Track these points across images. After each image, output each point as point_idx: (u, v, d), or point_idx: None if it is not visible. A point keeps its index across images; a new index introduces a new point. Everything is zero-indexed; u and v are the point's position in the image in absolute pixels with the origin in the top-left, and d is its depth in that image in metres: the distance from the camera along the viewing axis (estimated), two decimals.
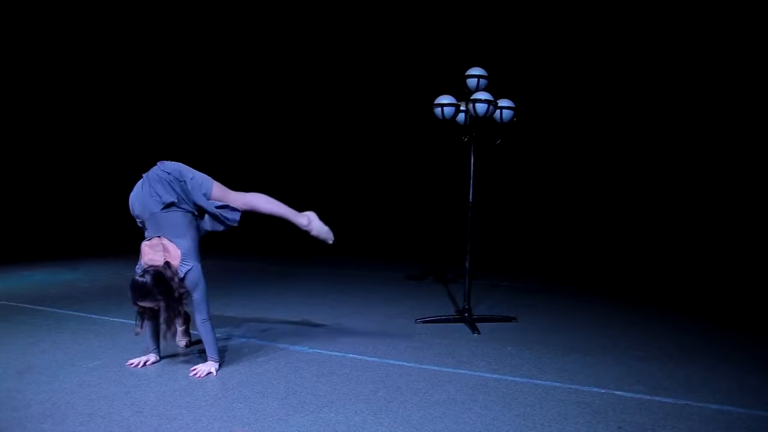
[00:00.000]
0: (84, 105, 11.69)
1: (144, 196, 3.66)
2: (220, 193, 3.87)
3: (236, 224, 3.93)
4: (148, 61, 12.17)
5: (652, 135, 10.57)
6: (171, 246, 3.62)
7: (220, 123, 12.70)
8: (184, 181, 3.72)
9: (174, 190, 3.67)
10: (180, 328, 4.11)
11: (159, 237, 3.64)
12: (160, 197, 3.62)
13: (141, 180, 3.76)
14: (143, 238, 3.70)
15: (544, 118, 10.40)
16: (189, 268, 3.62)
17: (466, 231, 5.18)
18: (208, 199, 3.81)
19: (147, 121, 12.11)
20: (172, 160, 3.83)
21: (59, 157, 11.42)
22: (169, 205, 3.63)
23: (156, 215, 3.63)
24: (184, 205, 3.70)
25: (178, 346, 4.19)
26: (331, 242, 4.23)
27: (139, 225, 3.84)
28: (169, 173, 3.69)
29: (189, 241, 3.67)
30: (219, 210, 3.84)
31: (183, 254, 3.62)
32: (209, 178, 3.87)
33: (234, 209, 3.90)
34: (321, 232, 4.18)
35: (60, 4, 10.54)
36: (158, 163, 3.78)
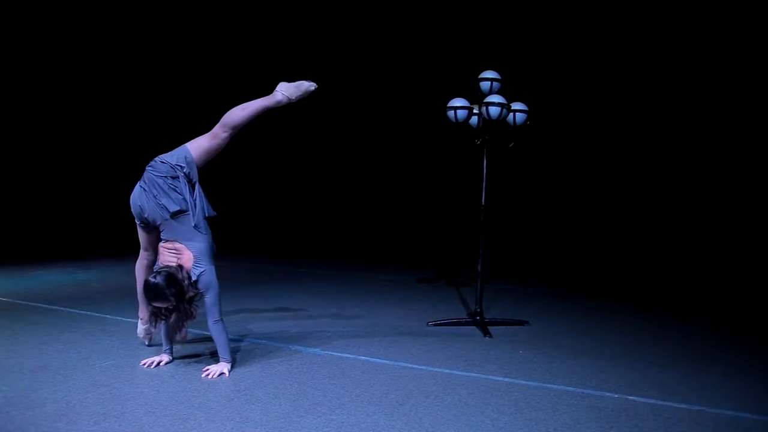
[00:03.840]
0: (99, 104, 11.78)
1: (149, 205, 3.70)
2: (198, 143, 3.87)
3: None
4: (152, 61, 12.21)
5: (664, 139, 10.50)
6: (184, 249, 3.65)
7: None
8: (180, 174, 3.74)
9: (177, 193, 3.69)
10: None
11: (173, 241, 3.67)
12: (167, 207, 3.65)
13: (138, 185, 3.80)
14: (159, 240, 3.75)
15: (557, 122, 10.34)
16: (202, 270, 3.64)
17: (478, 234, 5.17)
18: (195, 162, 3.81)
19: (158, 120, 12.17)
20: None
21: (72, 157, 11.50)
22: (177, 213, 3.66)
23: (168, 221, 3.67)
24: (191, 207, 3.72)
25: (143, 343, 4.25)
26: (314, 88, 4.03)
27: (139, 225, 3.90)
28: (164, 176, 3.69)
29: (201, 243, 3.69)
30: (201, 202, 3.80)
31: (195, 256, 3.64)
32: (183, 147, 3.85)
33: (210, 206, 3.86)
34: (298, 91, 4.01)
35: (60, 4, 10.61)
36: (148, 167, 3.79)
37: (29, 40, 10.57)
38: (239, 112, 3.93)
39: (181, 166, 3.75)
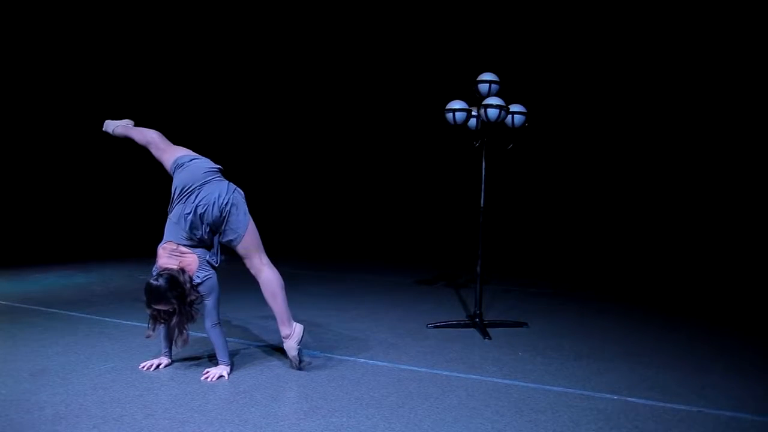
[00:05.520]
0: (99, 106, 11.77)
1: (185, 205, 3.64)
2: (250, 245, 3.75)
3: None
4: (152, 63, 12.21)
5: (663, 140, 10.51)
6: (189, 252, 3.64)
7: (232, 130, 12.78)
8: (219, 233, 3.71)
9: (206, 240, 3.68)
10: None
11: (177, 244, 3.66)
12: (188, 232, 3.62)
13: (210, 178, 3.71)
14: (159, 241, 3.72)
15: (555, 123, 10.36)
16: (207, 274, 3.64)
17: (477, 236, 5.17)
18: (236, 244, 3.73)
19: (159, 123, 12.18)
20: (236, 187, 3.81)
21: (72, 159, 11.50)
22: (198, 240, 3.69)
23: (179, 227, 3.65)
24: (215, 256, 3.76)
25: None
26: (293, 366, 3.81)
27: (173, 169, 3.80)
28: (209, 222, 3.64)
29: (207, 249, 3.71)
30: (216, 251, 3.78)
31: (200, 259, 3.64)
32: (244, 230, 3.71)
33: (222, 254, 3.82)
34: (290, 352, 3.78)
35: (60, 4, 10.61)
36: (217, 198, 3.64)
37: (29, 40, 10.57)
38: (269, 293, 3.81)
39: (222, 233, 3.70)
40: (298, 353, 3.81)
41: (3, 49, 10.17)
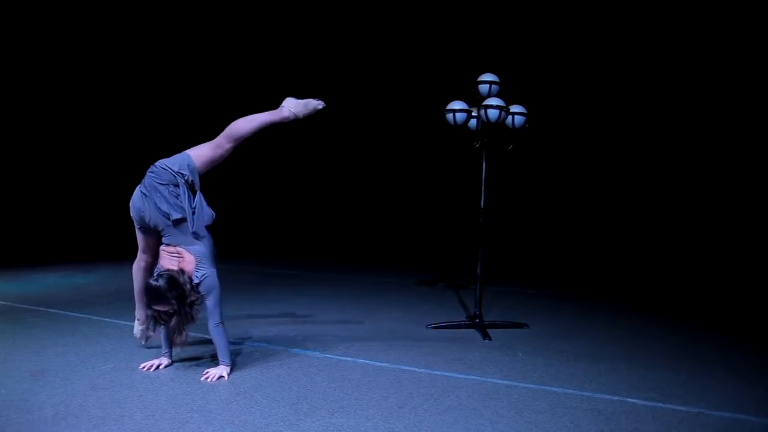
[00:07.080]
0: (99, 106, 11.78)
1: (150, 211, 3.68)
2: (201, 152, 3.82)
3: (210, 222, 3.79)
4: (152, 63, 12.22)
5: (664, 142, 10.51)
6: (186, 253, 3.66)
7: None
8: (181, 182, 3.69)
9: (179, 201, 3.66)
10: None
11: (174, 245, 3.68)
12: (169, 215, 3.63)
13: (138, 188, 3.77)
14: (160, 243, 3.75)
15: (556, 124, 10.36)
16: (204, 273, 3.65)
17: (477, 237, 5.17)
18: (197, 169, 3.77)
19: (158, 123, 12.17)
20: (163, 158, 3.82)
21: (72, 160, 11.50)
22: (179, 221, 3.66)
23: (170, 227, 3.67)
24: (189, 216, 3.70)
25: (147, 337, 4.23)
26: (321, 106, 4.03)
27: (139, 229, 3.87)
28: (166, 184, 3.66)
29: (203, 247, 3.70)
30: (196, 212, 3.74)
31: (197, 260, 3.64)
32: (185, 154, 3.79)
33: (209, 212, 3.79)
34: (307, 109, 4.01)
35: (60, 4, 10.61)
36: (149, 172, 3.74)
37: (29, 41, 10.58)
38: (244, 125, 3.88)
39: (183, 174, 3.71)
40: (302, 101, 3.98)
41: (3, 49, 10.18)
